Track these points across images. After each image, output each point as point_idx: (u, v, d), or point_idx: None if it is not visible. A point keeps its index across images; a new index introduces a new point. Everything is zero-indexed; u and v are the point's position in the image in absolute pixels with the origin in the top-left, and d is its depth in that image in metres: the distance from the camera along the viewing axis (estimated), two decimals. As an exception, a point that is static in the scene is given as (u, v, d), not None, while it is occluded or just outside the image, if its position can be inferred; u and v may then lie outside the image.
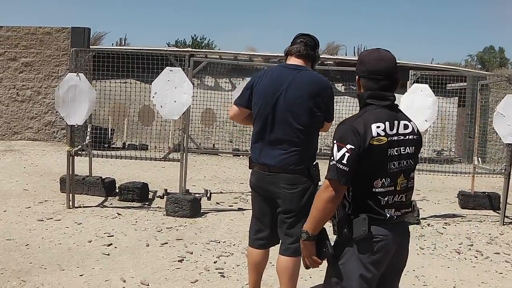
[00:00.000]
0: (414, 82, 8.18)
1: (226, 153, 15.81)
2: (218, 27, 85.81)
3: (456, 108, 16.29)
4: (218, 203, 8.72)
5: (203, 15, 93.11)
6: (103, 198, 8.45)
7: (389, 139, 2.73)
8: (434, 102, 7.90)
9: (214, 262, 5.70)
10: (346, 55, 26.06)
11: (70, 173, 7.74)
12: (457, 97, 15.44)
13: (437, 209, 9.15)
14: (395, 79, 2.86)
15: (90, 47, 15.68)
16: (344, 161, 2.66)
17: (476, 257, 6.43)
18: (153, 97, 7.50)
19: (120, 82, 9.60)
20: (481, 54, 49.00)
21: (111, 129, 15.82)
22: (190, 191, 8.71)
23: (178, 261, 5.68)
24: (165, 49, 20.78)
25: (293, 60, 4.12)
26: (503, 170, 8.36)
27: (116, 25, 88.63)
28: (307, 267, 2.95)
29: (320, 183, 3.43)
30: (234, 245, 6.39)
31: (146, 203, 8.40)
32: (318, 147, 4.29)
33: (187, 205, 7.59)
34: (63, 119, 8.26)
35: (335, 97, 4.21)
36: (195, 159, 13.79)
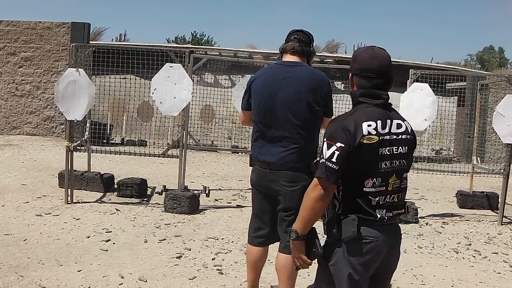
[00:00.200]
0: (414, 81, 8.18)
1: (225, 150, 15.80)
2: (218, 24, 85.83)
3: (455, 107, 16.29)
4: (216, 200, 8.72)
5: (203, 12, 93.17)
6: (102, 194, 8.43)
7: (380, 138, 2.68)
8: (434, 101, 7.90)
9: (212, 259, 5.69)
10: (346, 53, 26.06)
11: (69, 168, 7.72)
12: (456, 97, 15.46)
13: (435, 208, 9.15)
14: (388, 78, 2.80)
15: (90, 42, 15.67)
16: (334, 159, 2.62)
17: (474, 256, 6.43)
18: (153, 93, 7.48)
19: (120, 78, 9.61)
20: (480, 54, 48.96)
21: (110, 125, 15.80)
22: (188, 188, 8.71)
23: (176, 257, 5.67)
24: (165, 45, 20.78)
25: (288, 57, 4.11)
26: (502, 170, 8.36)
27: (116, 21, 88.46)
28: (297, 268, 2.91)
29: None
30: (232, 242, 6.39)
31: (145, 199, 8.39)
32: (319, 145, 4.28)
33: (186, 202, 7.59)
34: (62, 114, 8.25)
35: (334, 95, 4.20)
36: (193, 156, 13.80)
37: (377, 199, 2.70)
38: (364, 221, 2.68)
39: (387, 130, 2.72)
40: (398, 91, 7.34)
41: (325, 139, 2.70)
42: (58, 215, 7.05)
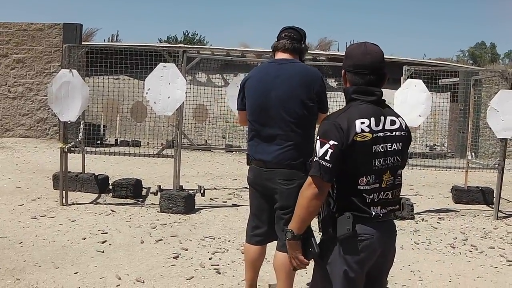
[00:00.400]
0: (408, 78, 8.17)
1: (219, 149, 15.78)
2: (210, 24, 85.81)
3: (448, 103, 16.32)
4: (212, 199, 8.70)
5: (194, 12, 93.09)
6: (97, 195, 8.41)
7: (374, 135, 2.65)
8: (428, 97, 7.90)
9: (210, 259, 5.68)
10: (338, 50, 26.06)
11: (64, 170, 7.69)
12: (449, 93, 15.49)
13: (430, 204, 9.16)
14: (382, 74, 2.76)
15: (82, 43, 15.61)
16: (327, 158, 2.59)
17: (471, 251, 6.43)
18: (147, 93, 7.45)
19: (114, 79, 9.57)
20: (472, 49, 49.18)
21: (103, 126, 15.76)
22: (183, 188, 8.69)
23: (173, 257, 5.65)
24: (158, 45, 20.74)
25: (280, 55, 4.09)
26: (497, 165, 8.37)
27: (108, 21, 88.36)
28: (294, 269, 2.88)
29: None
30: (229, 241, 6.37)
31: (140, 199, 8.36)
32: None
33: (181, 202, 7.56)
34: (55, 116, 8.22)
35: (327, 92, 4.18)
36: (188, 155, 13.78)
37: (371, 196, 2.68)
38: (359, 219, 2.66)
39: (380, 127, 2.69)
40: (392, 88, 7.34)
41: (318, 137, 2.67)
42: (53, 217, 7.02)
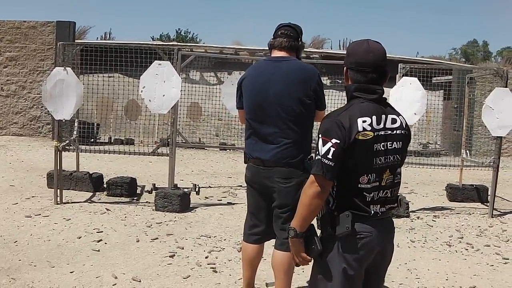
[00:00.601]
0: (403, 76, 8.17)
1: (213, 147, 15.76)
2: (203, 21, 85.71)
3: (442, 101, 16.35)
4: (207, 198, 8.68)
5: (187, 10, 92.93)
6: (91, 194, 8.37)
7: (375, 134, 2.64)
8: (423, 95, 7.90)
9: (206, 257, 5.65)
10: (331, 48, 26.05)
11: (58, 168, 7.65)
12: (442, 90, 15.51)
13: (425, 202, 9.17)
14: (383, 72, 2.77)
15: (76, 41, 15.54)
16: (329, 156, 2.59)
17: (467, 249, 6.44)
18: (142, 91, 7.42)
19: (108, 76, 9.54)
20: (465, 47, 49.33)
21: (96, 124, 15.70)
22: (178, 186, 8.66)
23: (169, 256, 5.62)
24: (153, 43, 20.69)
25: (276, 53, 4.07)
26: (492, 163, 8.37)
27: (100, 19, 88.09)
28: (297, 265, 2.90)
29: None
30: (225, 239, 6.35)
31: (135, 198, 8.33)
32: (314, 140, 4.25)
33: (177, 200, 7.54)
34: (49, 114, 8.18)
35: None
36: (182, 153, 13.74)
37: (371, 195, 2.68)
38: (358, 217, 2.66)
39: (382, 125, 2.69)
40: (387, 86, 7.31)
41: (320, 136, 2.66)
42: (48, 216, 6.98)
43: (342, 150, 2.59)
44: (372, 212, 2.69)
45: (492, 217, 8.15)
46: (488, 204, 8.63)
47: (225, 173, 11.61)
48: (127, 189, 8.34)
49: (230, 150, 15.63)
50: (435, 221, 7.78)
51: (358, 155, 2.63)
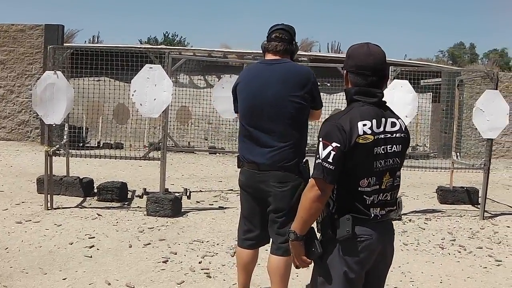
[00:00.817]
0: (394, 78, 8.18)
1: (204, 151, 15.73)
2: (191, 24, 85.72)
3: (430, 103, 16.43)
4: (198, 202, 8.64)
5: (174, 12, 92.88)
6: (82, 199, 8.30)
7: (375, 137, 2.65)
8: (414, 98, 7.92)
9: (199, 262, 5.62)
10: (320, 51, 26.19)
11: (48, 173, 7.58)
12: (431, 93, 15.58)
13: (416, 204, 9.17)
14: (383, 75, 2.78)
15: (64, 44, 15.46)
16: (330, 160, 2.59)
17: (460, 252, 6.45)
18: (133, 95, 7.37)
19: (99, 80, 9.50)
20: (452, 49, 49.60)
21: (85, 128, 15.63)
22: (169, 190, 8.62)
23: (163, 262, 5.58)
24: (143, 46, 20.63)
25: (271, 56, 4.04)
26: (483, 165, 8.40)
27: (88, 22, 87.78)
28: (297, 267, 2.90)
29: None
30: (218, 244, 6.32)
31: (126, 203, 8.27)
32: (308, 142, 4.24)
33: (168, 205, 7.49)
34: (37, 118, 8.12)
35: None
36: (171, 157, 13.69)
37: (371, 198, 2.69)
38: (358, 220, 2.67)
39: (382, 129, 2.69)
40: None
41: (320, 139, 2.66)
42: (38, 221, 6.91)
43: (343, 154, 2.59)
44: (372, 215, 2.70)
45: (483, 219, 8.17)
46: (478, 206, 8.66)
47: (216, 177, 11.58)
48: (118, 194, 8.27)
49: (219, 154, 15.60)
50: (427, 223, 7.80)
51: (359, 158, 2.63)
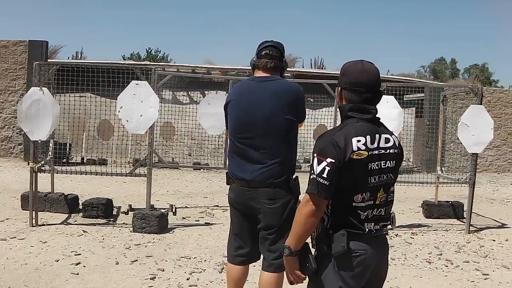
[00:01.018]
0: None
1: (189, 167, 15.69)
2: (173, 41, 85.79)
3: (414, 118, 16.53)
4: (184, 218, 8.60)
5: (156, 29, 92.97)
6: (67, 215, 8.22)
7: (369, 153, 2.67)
8: (400, 113, 7.98)
9: (187, 279, 5.58)
10: (303, 67, 26.32)
11: (34, 190, 7.51)
12: (414, 108, 15.70)
13: (402, 219, 9.19)
14: (377, 92, 2.80)
15: (48, 60, 15.39)
16: (324, 175, 2.60)
17: (447, 266, 6.47)
18: (119, 111, 7.34)
19: (82, 96, 9.44)
20: (433, 65, 50.08)
21: (69, 144, 15.51)
22: (155, 206, 8.57)
23: (150, 278, 5.53)
24: (128, 62, 20.62)
25: (260, 74, 4.03)
26: (468, 179, 8.45)
27: (70, 39, 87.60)
28: (291, 283, 2.88)
29: (301, 196, 3.37)
30: (205, 260, 6.28)
31: (111, 219, 8.21)
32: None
33: (155, 221, 7.44)
34: (20, 134, 8.05)
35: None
36: (156, 173, 13.57)
37: (365, 213, 2.70)
38: (353, 235, 2.67)
39: (376, 145, 2.71)
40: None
41: (315, 155, 2.67)
42: (23, 238, 6.83)
43: (337, 169, 2.60)
44: (367, 230, 2.71)
45: (469, 233, 8.21)
46: (464, 220, 8.71)
47: (201, 193, 11.55)
48: (103, 210, 8.21)
49: (204, 169, 15.58)
50: (413, 238, 7.82)
51: (353, 174, 2.64)
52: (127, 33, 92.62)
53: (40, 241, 6.74)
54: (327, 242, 2.70)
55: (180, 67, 19.12)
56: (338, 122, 2.93)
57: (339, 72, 2.88)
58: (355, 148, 2.63)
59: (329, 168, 2.60)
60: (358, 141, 2.65)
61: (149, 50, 40.90)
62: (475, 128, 8.02)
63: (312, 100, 15.92)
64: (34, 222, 7.46)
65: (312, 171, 2.65)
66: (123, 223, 7.94)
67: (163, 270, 5.83)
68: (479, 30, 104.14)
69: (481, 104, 8.37)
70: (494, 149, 17.81)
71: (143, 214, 7.49)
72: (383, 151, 2.74)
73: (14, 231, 7.18)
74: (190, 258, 6.33)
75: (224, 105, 4.16)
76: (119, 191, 10.88)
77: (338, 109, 2.92)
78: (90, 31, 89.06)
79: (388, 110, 7.83)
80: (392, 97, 8.06)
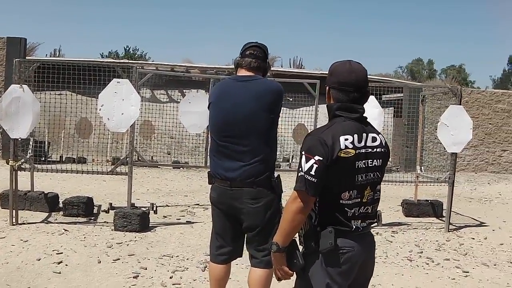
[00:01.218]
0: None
1: (169, 166, 15.65)
2: (151, 39, 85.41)
3: (392, 118, 16.64)
4: (165, 217, 8.58)
5: (135, 27, 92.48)
6: (47, 214, 8.16)
7: (357, 152, 2.71)
8: (380, 113, 8.05)
9: (170, 277, 5.57)
10: (282, 66, 26.41)
11: (14, 188, 7.44)
12: (392, 108, 15.81)
13: (382, 217, 9.23)
14: (365, 92, 2.85)
15: (26, 57, 15.24)
16: (312, 172, 2.63)
17: (428, 263, 6.54)
18: (100, 109, 7.30)
19: (57, 94, 9.35)
20: (411, 65, 50.48)
21: (47, 142, 15.37)
22: (135, 205, 8.54)
23: (133, 277, 5.51)
24: (107, 60, 20.49)
25: (244, 73, 4.04)
26: (447, 179, 8.54)
27: (48, 36, 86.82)
28: (279, 279, 2.90)
29: (285, 194, 3.38)
30: (187, 259, 6.27)
31: (92, 218, 8.17)
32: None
33: (136, 220, 7.42)
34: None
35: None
36: (136, 172, 13.46)
37: (352, 210, 2.74)
38: (340, 232, 2.71)
39: (363, 143, 2.75)
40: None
41: (303, 152, 2.70)
42: (4, 237, 6.76)
43: (325, 167, 2.64)
44: (354, 227, 2.74)
45: (449, 231, 8.30)
46: (443, 218, 8.81)
47: (181, 191, 11.52)
48: (84, 209, 8.16)
49: (184, 168, 15.54)
50: (394, 236, 7.89)
51: (340, 172, 2.68)
52: (105, 31, 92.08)
53: (21, 239, 6.68)
54: (314, 239, 2.73)
55: (159, 65, 19.05)
56: (319, 122, 2.97)
57: (318, 72, 2.92)
58: (342, 147, 2.67)
59: (317, 166, 2.63)
60: (346, 139, 2.69)
61: (127, 49, 40.67)
62: (454, 128, 8.10)
63: (291, 99, 15.97)
64: (14, 220, 7.40)
65: (300, 169, 2.68)
66: (104, 221, 7.90)
67: (146, 269, 5.81)
68: (456, 31, 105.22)
69: (460, 104, 8.47)
70: (472, 149, 18.01)
71: (125, 213, 7.46)
72: (370, 150, 2.79)
73: (-7, 230, 7.12)
74: (172, 257, 6.32)
75: (208, 105, 4.16)
76: (99, 189, 10.81)
77: (318, 108, 2.95)
78: (68, 28, 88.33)
79: (369, 109, 7.84)
80: (373, 97, 8.11)
